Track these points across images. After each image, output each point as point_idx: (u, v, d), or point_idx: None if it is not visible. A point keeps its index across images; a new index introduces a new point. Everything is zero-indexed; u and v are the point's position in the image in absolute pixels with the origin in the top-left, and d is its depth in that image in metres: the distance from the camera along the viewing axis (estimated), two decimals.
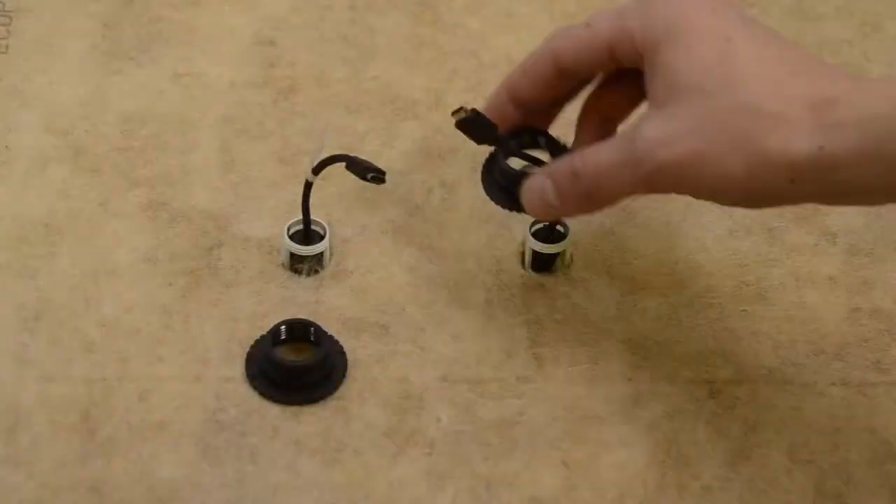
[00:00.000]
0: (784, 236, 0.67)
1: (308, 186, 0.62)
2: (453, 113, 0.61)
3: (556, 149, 0.62)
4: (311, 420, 0.58)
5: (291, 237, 0.63)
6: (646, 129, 0.55)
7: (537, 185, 0.59)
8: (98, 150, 0.68)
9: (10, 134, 0.68)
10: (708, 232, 0.67)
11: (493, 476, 0.57)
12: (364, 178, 0.61)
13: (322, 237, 0.63)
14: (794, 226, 0.67)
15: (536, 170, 0.60)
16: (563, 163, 0.59)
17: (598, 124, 0.61)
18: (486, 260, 0.65)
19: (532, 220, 0.64)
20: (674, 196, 0.68)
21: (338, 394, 0.59)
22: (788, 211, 0.68)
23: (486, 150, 0.62)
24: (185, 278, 0.63)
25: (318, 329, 0.60)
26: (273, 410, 0.58)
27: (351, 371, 0.60)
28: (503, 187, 0.61)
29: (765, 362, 0.61)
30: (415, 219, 0.66)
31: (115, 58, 0.72)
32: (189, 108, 0.70)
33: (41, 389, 0.58)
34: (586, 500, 0.57)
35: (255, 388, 0.59)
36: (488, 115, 0.61)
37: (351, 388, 0.59)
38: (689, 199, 0.68)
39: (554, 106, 0.63)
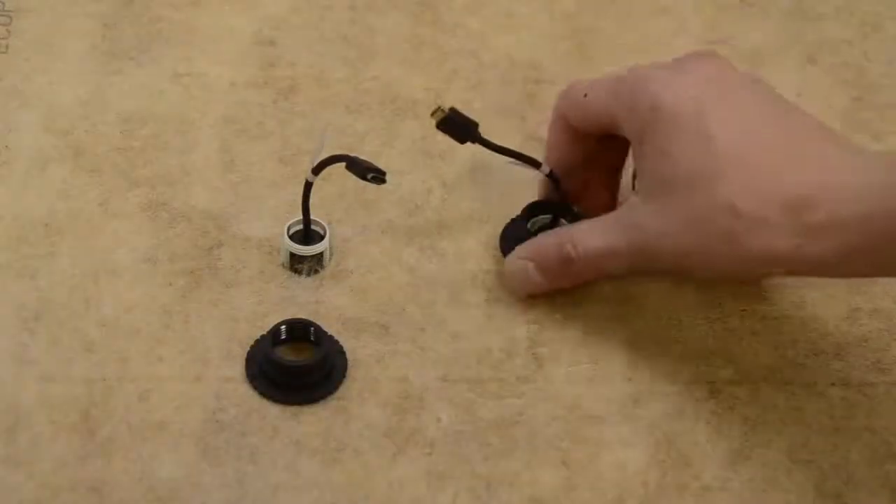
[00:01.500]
0: None
1: (308, 186, 0.62)
2: (432, 114, 0.61)
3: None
4: (311, 420, 0.58)
5: (291, 237, 0.63)
6: (644, 218, 0.57)
7: (520, 268, 0.62)
8: (98, 150, 0.68)
9: (10, 134, 0.68)
10: None
11: (493, 476, 0.57)
12: (364, 178, 0.61)
13: (322, 237, 0.63)
14: None
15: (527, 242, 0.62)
16: (552, 246, 0.60)
17: (605, 173, 0.64)
18: (486, 260, 0.65)
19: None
20: None
21: (338, 394, 0.59)
22: None
23: (483, 153, 0.62)
24: (185, 278, 0.63)
25: (318, 329, 0.60)
26: (273, 410, 0.58)
27: (351, 371, 0.60)
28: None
29: (765, 362, 0.61)
30: (415, 219, 0.66)
31: (115, 58, 0.72)
32: (189, 108, 0.70)
33: (41, 389, 0.58)
34: (586, 500, 0.57)
35: (255, 388, 0.59)
36: (544, 194, 0.64)
37: (351, 388, 0.59)
38: None
39: (601, 167, 0.64)
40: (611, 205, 0.63)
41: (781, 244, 0.54)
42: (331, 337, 0.60)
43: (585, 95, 0.60)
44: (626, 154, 0.63)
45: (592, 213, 0.63)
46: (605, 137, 0.62)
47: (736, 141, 0.56)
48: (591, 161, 0.63)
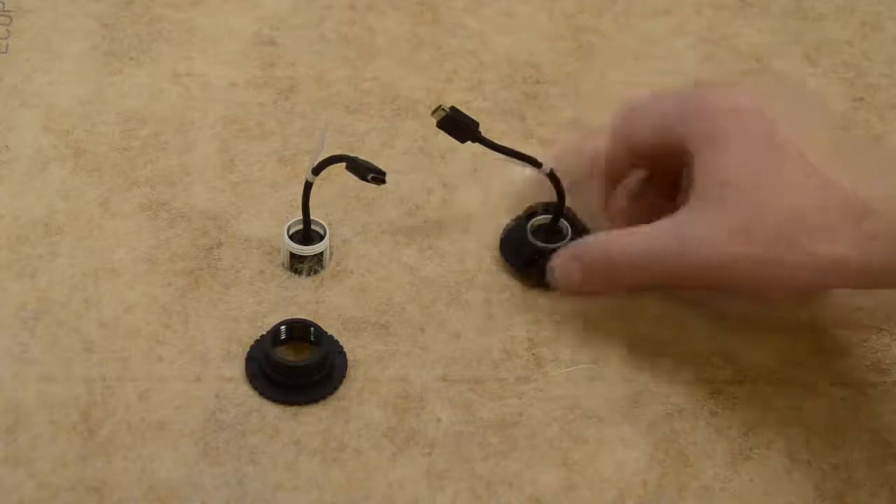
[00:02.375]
0: None
1: (308, 186, 0.62)
2: (432, 113, 0.61)
3: (577, 230, 0.64)
4: (311, 420, 0.58)
5: (291, 237, 0.63)
6: (691, 226, 0.57)
7: (565, 266, 0.61)
8: (98, 150, 0.68)
9: (10, 134, 0.68)
10: None
11: (493, 476, 0.57)
12: (364, 179, 0.61)
13: (322, 237, 0.63)
14: None
15: (563, 247, 0.62)
16: (597, 248, 0.61)
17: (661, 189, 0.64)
18: (486, 260, 0.65)
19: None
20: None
21: (338, 394, 0.59)
22: None
23: (483, 153, 0.63)
24: (185, 278, 0.63)
25: (318, 329, 0.60)
26: (273, 410, 0.58)
27: (351, 371, 0.60)
28: (528, 262, 0.63)
29: (765, 362, 0.61)
30: (415, 219, 0.66)
31: (115, 58, 0.72)
32: (189, 108, 0.70)
33: (41, 389, 0.58)
34: (586, 499, 0.57)
35: (254, 388, 0.59)
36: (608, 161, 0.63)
37: (351, 388, 0.59)
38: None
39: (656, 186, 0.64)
40: (631, 214, 0.63)
41: (846, 251, 0.55)
42: (331, 337, 0.60)
43: (647, 104, 0.61)
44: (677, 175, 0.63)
45: (613, 217, 0.64)
46: (658, 156, 0.62)
47: (801, 150, 0.56)
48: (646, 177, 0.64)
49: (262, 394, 0.59)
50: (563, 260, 0.62)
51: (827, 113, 0.59)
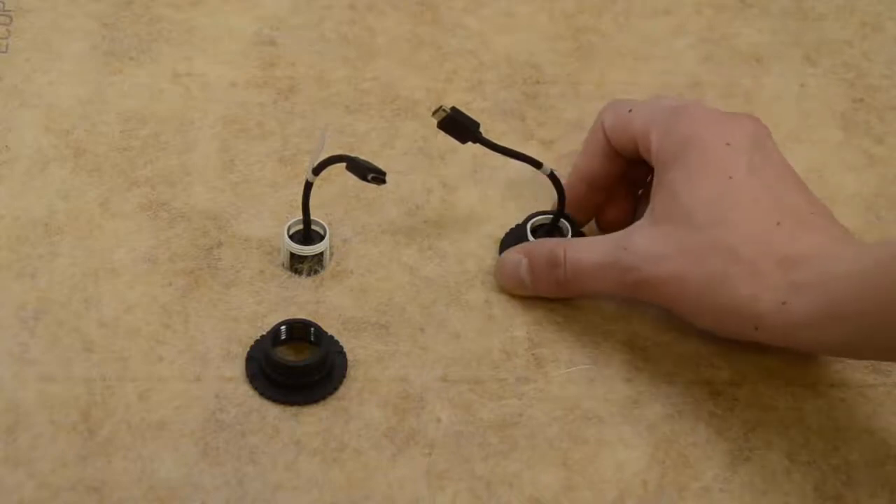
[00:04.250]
0: None
1: (308, 186, 0.62)
2: (433, 113, 0.61)
3: (577, 230, 0.65)
4: (311, 420, 0.58)
5: (291, 237, 0.63)
6: (638, 241, 0.58)
7: (513, 261, 0.62)
8: (98, 150, 0.68)
9: (10, 134, 0.68)
10: None
11: (493, 476, 0.57)
12: (364, 179, 0.61)
13: (322, 237, 0.63)
14: None
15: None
16: (545, 248, 0.61)
17: (627, 192, 0.65)
18: (486, 260, 0.65)
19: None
20: None
21: (338, 394, 0.59)
22: None
23: (484, 153, 0.62)
24: (185, 278, 0.63)
25: (318, 329, 0.60)
26: (273, 410, 0.58)
27: (351, 371, 0.60)
28: None
29: (765, 363, 0.61)
30: (415, 219, 0.66)
31: (115, 58, 0.72)
32: (189, 108, 0.70)
33: (41, 389, 0.58)
34: (586, 500, 0.57)
35: (255, 388, 0.59)
36: (569, 199, 0.63)
37: (351, 388, 0.59)
38: None
39: (627, 184, 0.65)
40: (626, 222, 0.63)
41: (767, 298, 0.55)
42: (331, 337, 0.60)
43: (630, 111, 0.61)
44: (646, 179, 0.64)
45: (606, 228, 0.64)
46: (634, 160, 0.63)
47: (754, 193, 0.57)
48: (617, 177, 0.64)
49: (263, 394, 0.59)
50: (512, 253, 0.62)
51: (789, 170, 0.59)
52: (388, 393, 0.59)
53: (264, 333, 0.60)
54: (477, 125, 0.62)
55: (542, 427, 0.59)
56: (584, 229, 0.65)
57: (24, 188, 0.66)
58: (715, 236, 0.56)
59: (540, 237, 0.64)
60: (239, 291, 0.62)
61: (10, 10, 0.74)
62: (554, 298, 0.62)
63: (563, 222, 0.64)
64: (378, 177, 0.61)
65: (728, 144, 0.58)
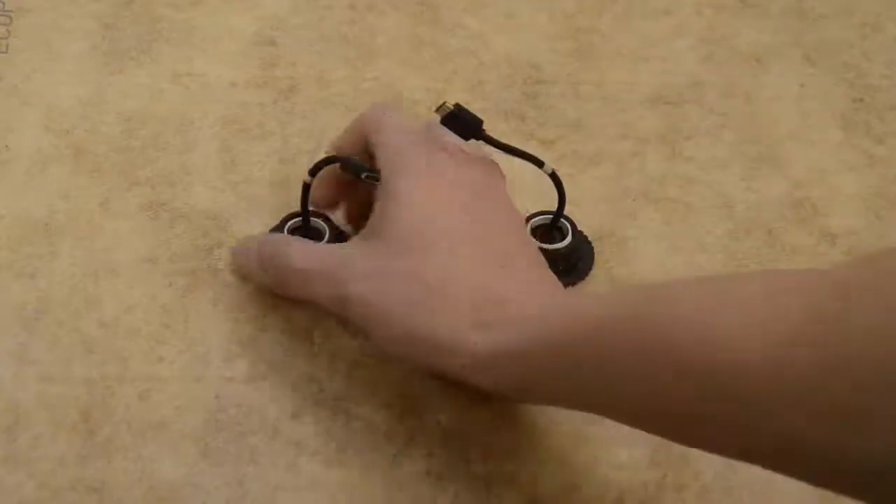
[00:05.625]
0: (784, 237, 0.67)
1: (306, 188, 0.62)
2: (436, 109, 0.61)
3: (577, 230, 0.65)
4: (311, 420, 0.58)
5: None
6: (348, 253, 0.57)
7: (243, 247, 0.62)
8: (98, 150, 0.68)
9: (10, 134, 0.68)
10: (708, 233, 0.67)
11: (493, 476, 0.57)
12: (359, 178, 0.61)
13: (322, 237, 0.63)
14: (794, 227, 0.67)
15: (564, 247, 0.63)
16: (275, 245, 0.60)
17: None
18: None
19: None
20: (673, 196, 0.68)
21: (338, 394, 0.59)
22: (788, 212, 0.68)
23: (486, 152, 0.62)
24: (185, 278, 0.63)
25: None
26: (273, 411, 0.58)
27: (352, 371, 0.60)
28: None
29: None
30: None
31: (115, 58, 0.72)
32: (189, 108, 0.70)
33: (41, 389, 0.58)
34: (586, 499, 0.57)
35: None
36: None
37: (352, 387, 0.59)
38: (690, 200, 0.69)
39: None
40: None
41: (462, 333, 0.53)
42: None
43: (381, 129, 0.60)
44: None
45: (350, 219, 0.64)
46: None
47: (470, 229, 0.56)
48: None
49: None
50: (245, 241, 0.62)
51: (507, 207, 0.59)
52: (388, 393, 0.59)
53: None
54: (480, 122, 0.62)
55: (542, 427, 0.59)
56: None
57: (24, 188, 0.66)
58: (417, 263, 0.55)
59: (540, 237, 0.64)
60: (239, 291, 0.62)
61: (10, 10, 0.74)
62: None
63: (563, 222, 0.64)
64: (373, 175, 0.60)
65: (454, 179, 0.58)
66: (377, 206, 0.58)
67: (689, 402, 0.47)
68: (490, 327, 0.53)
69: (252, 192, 0.67)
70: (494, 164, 0.60)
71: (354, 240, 0.58)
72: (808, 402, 0.44)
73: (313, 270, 0.58)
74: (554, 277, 0.58)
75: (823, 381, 0.43)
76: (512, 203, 0.59)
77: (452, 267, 0.55)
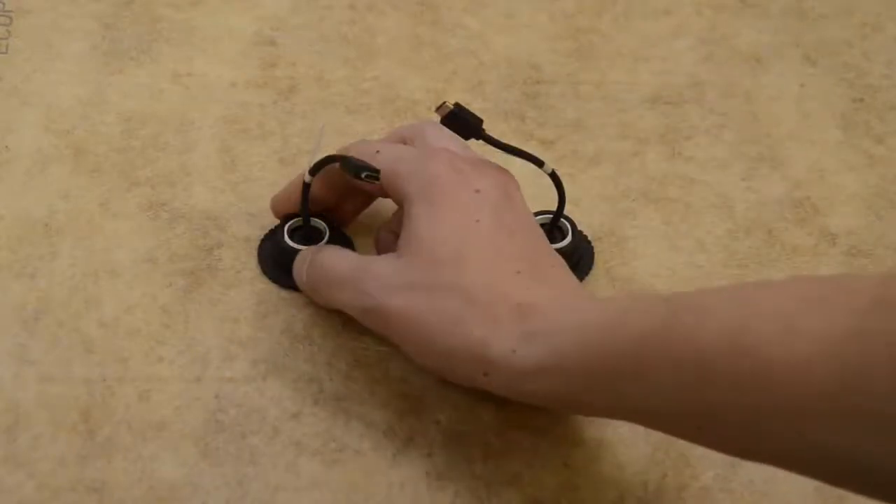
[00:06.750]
0: (784, 237, 0.67)
1: (306, 188, 0.62)
2: (437, 109, 0.61)
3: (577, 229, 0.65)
4: (311, 421, 0.58)
5: (291, 237, 0.63)
6: (378, 268, 0.57)
7: (301, 257, 0.62)
8: (98, 150, 0.68)
9: (10, 134, 0.68)
10: (708, 233, 0.67)
11: (493, 476, 0.57)
12: (358, 178, 0.61)
13: (322, 237, 0.63)
14: (794, 227, 0.67)
15: (567, 246, 0.63)
16: (320, 255, 0.61)
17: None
18: None
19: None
20: (673, 196, 0.68)
21: (338, 394, 0.59)
22: (788, 212, 0.68)
23: (486, 151, 0.62)
24: (185, 278, 0.63)
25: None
26: (273, 411, 0.58)
27: (352, 371, 0.60)
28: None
29: None
30: None
31: (115, 58, 0.72)
32: (189, 108, 0.70)
33: (41, 389, 0.58)
34: (586, 500, 0.57)
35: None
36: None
37: (351, 388, 0.59)
38: (690, 200, 0.69)
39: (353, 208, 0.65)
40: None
41: (498, 343, 0.54)
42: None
43: (378, 152, 0.60)
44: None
45: (342, 223, 0.65)
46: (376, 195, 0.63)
47: (497, 240, 0.57)
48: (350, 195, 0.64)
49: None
50: (304, 254, 0.62)
51: (534, 224, 0.59)
52: (388, 393, 0.59)
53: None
54: (480, 122, 0.62)
55: (542, 427, 0.59)
56: None
57: (24, 188, 0.66)
58: (453, 276, 0.55)
59: None
60: (239, 292, 0.62)
61: (10, 11, 0.74)
62: None
63: (564, 222, 0.64)
64: (372, 175, 0.60)
65: (477, 191, 0.58)
66: (407, 224, 0.58)
67: (724, 409, 0.48)
68: (530, 341, 0.53)
69: (252, 192, 0.67)
70: (510, 173, 0.60)
71: (387, 256, 0.58)
72: (848, 409, 0.44)
73: (344, 277, 0.58)
74: (579, 283, 0.58)
75: (868, 387, 0.43)
76: (530, 210, 0.60)
77: (489, 277, 0.55)
